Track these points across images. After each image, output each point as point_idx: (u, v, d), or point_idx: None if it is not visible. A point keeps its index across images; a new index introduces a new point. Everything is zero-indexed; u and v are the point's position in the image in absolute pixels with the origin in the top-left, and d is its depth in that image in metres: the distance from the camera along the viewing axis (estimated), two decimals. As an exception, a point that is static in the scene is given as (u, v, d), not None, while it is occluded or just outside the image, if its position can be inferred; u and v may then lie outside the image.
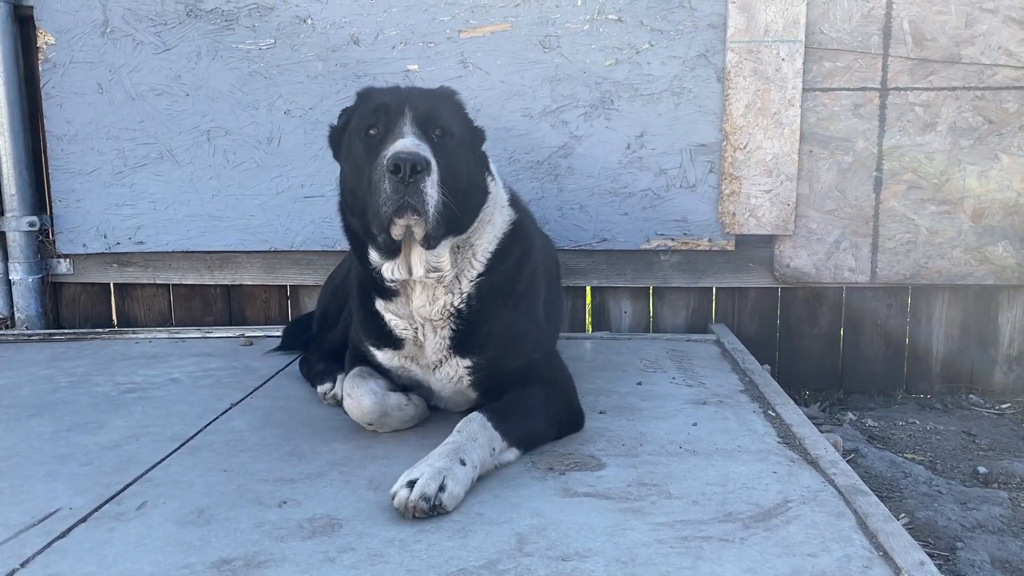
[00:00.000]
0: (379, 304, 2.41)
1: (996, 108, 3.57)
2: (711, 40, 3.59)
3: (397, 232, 2.14)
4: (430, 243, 2.18)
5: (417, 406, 2.49)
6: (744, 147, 3.61)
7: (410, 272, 2.29)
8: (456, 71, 3.65)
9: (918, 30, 3.54)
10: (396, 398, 2.43)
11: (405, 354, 2.45)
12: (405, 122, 2.16)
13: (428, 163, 2.06)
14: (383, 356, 2.48)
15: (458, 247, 2.33)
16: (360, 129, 2.24)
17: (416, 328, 2.39)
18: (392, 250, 2.25)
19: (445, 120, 2.24)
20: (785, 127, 3.60)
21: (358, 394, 2.38)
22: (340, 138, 2.39)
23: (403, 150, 2.05)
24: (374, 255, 2.32)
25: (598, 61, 3.63)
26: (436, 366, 2.42)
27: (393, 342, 2.44)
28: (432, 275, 2.29)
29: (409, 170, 2.02)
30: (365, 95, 2.37)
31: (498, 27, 3.64)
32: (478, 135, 2.42)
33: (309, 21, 3.68)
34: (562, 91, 3.66)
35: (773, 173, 3.63)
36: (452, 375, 2.42)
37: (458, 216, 2.20)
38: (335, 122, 2.43)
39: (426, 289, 2.33)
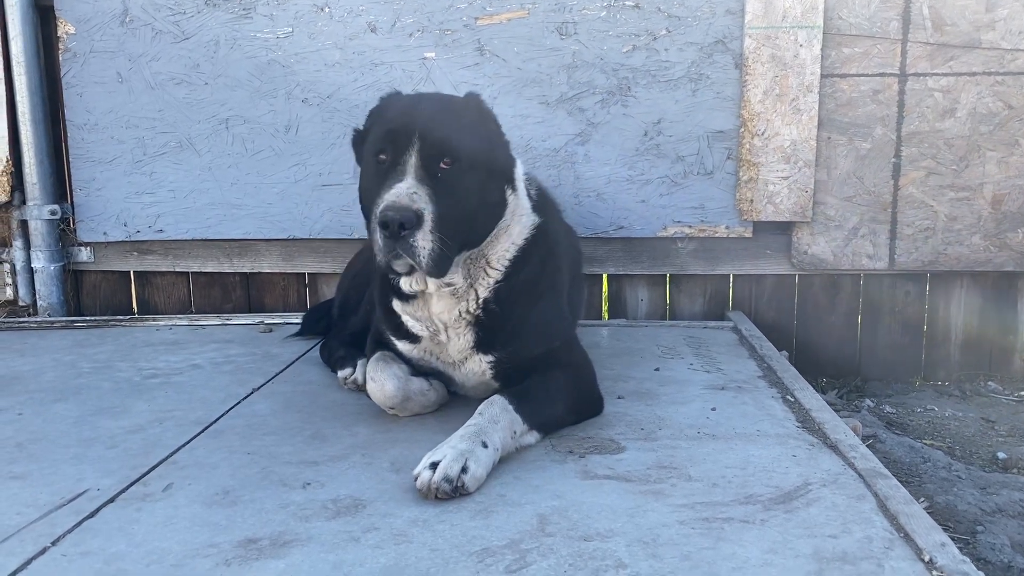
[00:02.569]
0: (396, 304, 2.44)
1: (1017, 93, 3.54)
2: (729, 26, 3.58)
3: (399, 268, 2.18)
4: (434, 275, 2.18)
5: (438, 392, 2.51)
6: (762, 134, 3.60)
7: (426, 284, 2.32)
8: (473, 59, 3.66)
9: (937, 15, 3.52)
10: (419, 383, 2.46)
11: (423, 348, 2.48)
12: (410, 157, 2.11)
13: (418, 217, 2.03)
14: (403, 347, 2.51)
15: (472, 259, 2.33)
16: (372, 150, 2.22)
17: (435, 329, 2.41)
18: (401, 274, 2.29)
19: (455, 145, 2.15)
20: (803, 113, 3.58)
21: (381, 378, 2.40)
22: (361, 145, 2.37)
23: (393, 204, 2.03)
24: None
25: (615, 48, 3.62)
26: (459, 364, 2.44)
27: (411, 336, 2.47)
28: (446, 288, 2.32)
29: (397, 228, 2.02)
30: (385, 105, 2.35)
31: (515, 14, 3.63)
32: (501, 147, 2.34)
33: (326, 9, 3.69)
34: (579, 78, 3.65)
35: (791, 160, 3.61)
36: (475, 370, 2.44)
37: (455, 243, 2.15)
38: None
39: (442, 298, 2.35)
